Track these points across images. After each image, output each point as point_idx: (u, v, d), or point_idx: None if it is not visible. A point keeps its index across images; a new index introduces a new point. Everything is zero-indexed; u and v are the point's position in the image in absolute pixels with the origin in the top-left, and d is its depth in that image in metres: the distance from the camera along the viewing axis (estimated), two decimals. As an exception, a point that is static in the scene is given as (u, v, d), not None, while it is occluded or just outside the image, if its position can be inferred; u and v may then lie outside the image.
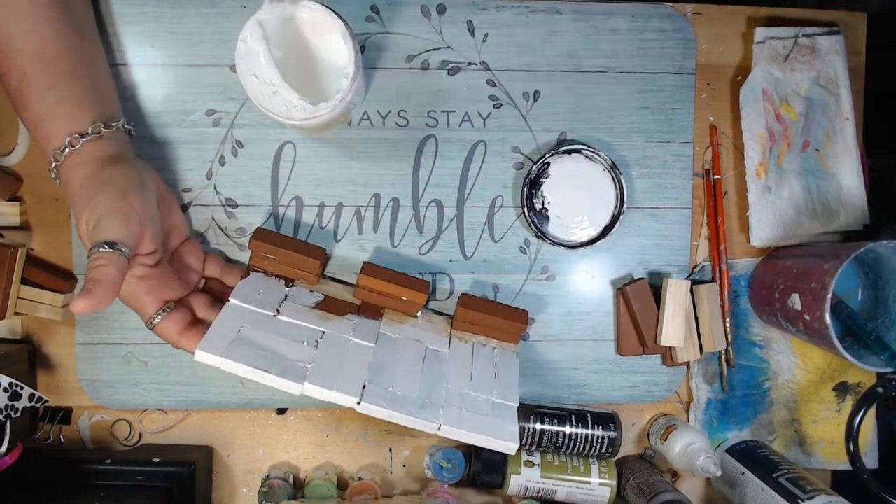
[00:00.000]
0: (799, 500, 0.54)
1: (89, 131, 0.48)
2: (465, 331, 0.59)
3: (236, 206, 0.59)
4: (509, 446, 0.50)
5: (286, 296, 0.54)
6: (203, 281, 0.55)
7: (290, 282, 0.56)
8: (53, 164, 0.48)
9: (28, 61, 0.47)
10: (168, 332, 0.49)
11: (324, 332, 0.52)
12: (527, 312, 0.59)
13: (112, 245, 0.44)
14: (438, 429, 0.49)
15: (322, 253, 0.56)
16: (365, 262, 0.57)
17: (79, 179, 0.47)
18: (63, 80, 0.48)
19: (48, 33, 0.48)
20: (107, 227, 0.45)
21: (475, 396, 0.52)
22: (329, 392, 0.47)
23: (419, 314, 0.58)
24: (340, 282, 0.59)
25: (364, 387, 0.49)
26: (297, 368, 0.48)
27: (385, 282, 0.56)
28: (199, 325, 0.51)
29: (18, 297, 0.56)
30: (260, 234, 0.55)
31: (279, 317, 0.52)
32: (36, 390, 0.54)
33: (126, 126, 0.52)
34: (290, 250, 0.54)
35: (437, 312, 0.61)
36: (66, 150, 0.47)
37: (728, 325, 0.62)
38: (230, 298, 0.52)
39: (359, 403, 0.48)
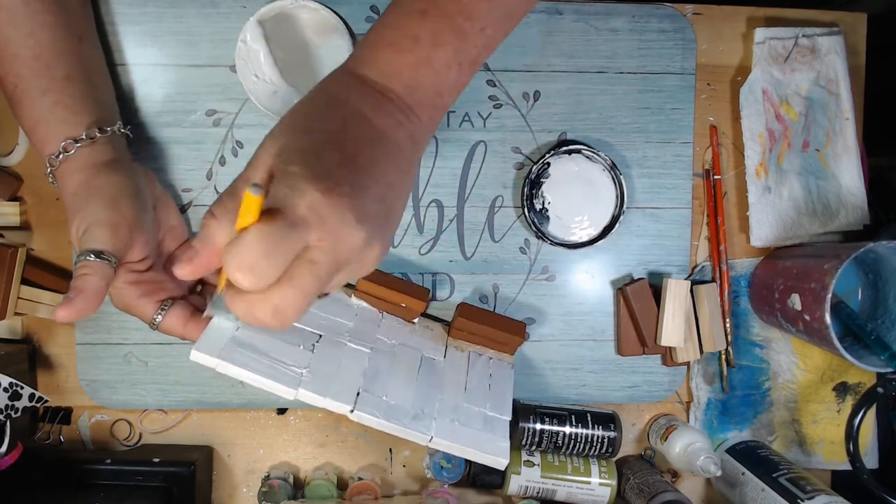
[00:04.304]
0: (799, 500, 0.54)
1: (83, 136, 0.48)
2: (462, 339, 0.59)
3: (236, 206, 0.59)
4: (500, 462, 0.50)
5: None
6: (199, 286, 0.55)
7: None
8: (49, 170, 0.48)
9: (24, 65, 0.47)
10: (173, 327, 0.49)
11: (320, 336, 0.52)
12: (524, 325, 0.59)
13: (98, 254, 0.44)
14: (430, 440, 0.49)
15: None
16: None
17: (72, 186, 0.47)
18: (58, 84, 0.48)
19: (45, 38, 0.47)
20: (95, 236, 0.45)
21: (468, 408, 0.52)
22: (323, 399, 0.47)
23: (416, 320, 0.58)
24: None
25: (358, 394, 0.49)
26: (292, 373, 0.48)
27: (384, 287, 0.56)
28: (202, 313, 0.50)
29: (18, 297, 0.56)
30: None
31: None
32: (36, 390, 0.54)
33: (122, 130, 0.51)
34: None
35: (435, 319, 0.61)
36: (61, 155, 0.47)
37: (728, 325, 0.62)
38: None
39: (352, 412, 0.48)
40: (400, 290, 0.56)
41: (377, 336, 0.55)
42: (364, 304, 0.57)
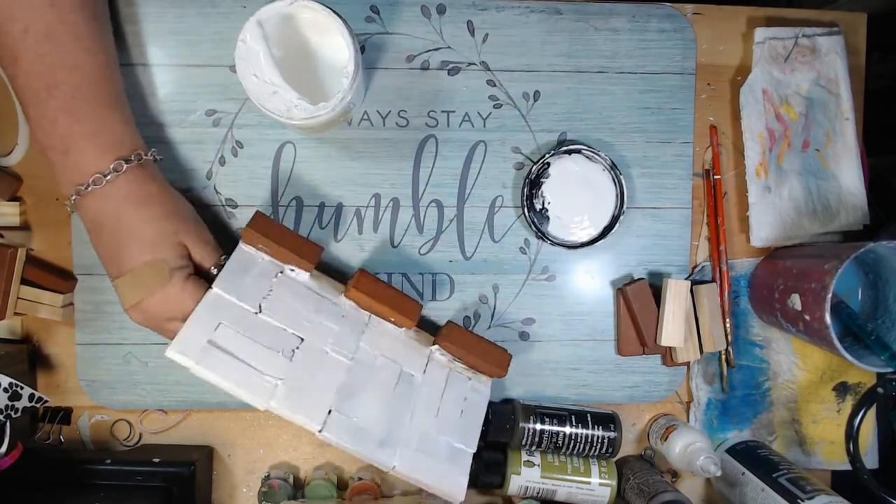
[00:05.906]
0: (799, 500, 0.54)
1: (132, 158, 0.48)
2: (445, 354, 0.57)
3: (236, 206, 0.59)
4: (456, 498, 0.52)
5: (271, 290, 0.52)
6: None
7: (280, 269, 0.53)
8: (73, 199, 0.47)
9: (84, 79, 0.47)
10: None
11: (302, 340, 0.51)
12: (509, 356, 0.57)
13: (219, 268, 0.50)
14: (393, 469, 0.50)
15: (318, 253, 0.53)
16: (360, 272, 0.54)
17: (130, 208, 0.48)
18: (114, 101, 0.49)
19: (103, 58, 0.48)
20: (205, 255, 0.50)
21: (435, 438, 0.52)
22: (293, 415, 0.47)
23: (403, 329, 0.56)
24: (334, 277, 0.58)
25: (329, 412, 0.49)
26: (266, 383, 0.47)
27: (375, 301, 0.53)
28: None
29: (18, 297, 0.56)
30: (257, 223, 0.52)
31: (260, 315, 0.50)
32: (36, 390, 0.54)
33: (149, 155, 0.50)
34: (284, 247, 0.52)
35: (426, 323, 0.60)
36: (90, 187, 0.46)
37: (728, 325, 0.62)
38: (213, 286, 0.49)
39: (320, 431, 0.48)
40: (391, 305, 0.54)
41: (360, 345, 0.53)
42: (353, 304, 0.55)
